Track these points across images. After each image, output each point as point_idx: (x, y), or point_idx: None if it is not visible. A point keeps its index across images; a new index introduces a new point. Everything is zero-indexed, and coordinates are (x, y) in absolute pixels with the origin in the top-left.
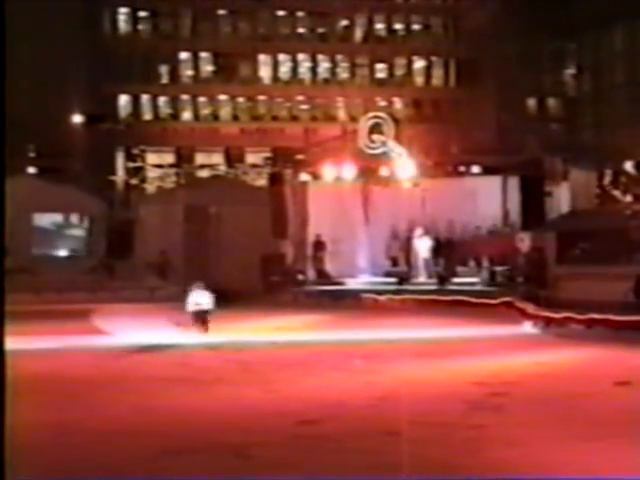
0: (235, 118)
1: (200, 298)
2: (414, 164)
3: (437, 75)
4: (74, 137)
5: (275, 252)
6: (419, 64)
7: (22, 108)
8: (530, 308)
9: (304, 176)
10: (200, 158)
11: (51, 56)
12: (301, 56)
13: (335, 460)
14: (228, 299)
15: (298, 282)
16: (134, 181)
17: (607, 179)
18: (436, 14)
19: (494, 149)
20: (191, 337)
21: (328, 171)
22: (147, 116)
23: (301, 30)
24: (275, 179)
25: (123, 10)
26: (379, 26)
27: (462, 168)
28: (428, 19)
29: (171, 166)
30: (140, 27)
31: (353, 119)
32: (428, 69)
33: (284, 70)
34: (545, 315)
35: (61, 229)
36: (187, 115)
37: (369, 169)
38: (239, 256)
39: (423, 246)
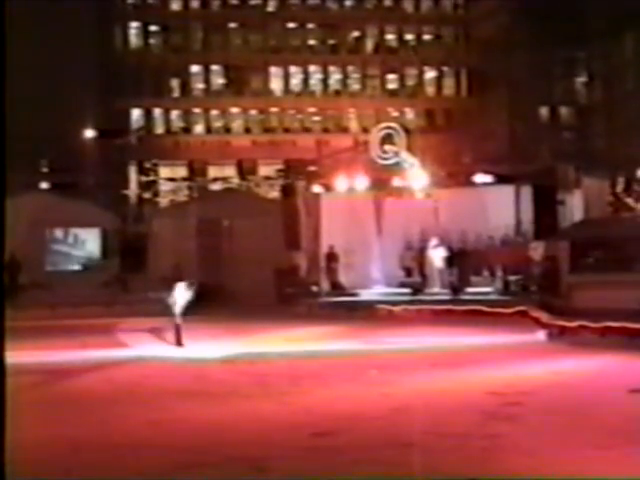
0: (247, 131)
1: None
2: (427, 174)
3: (448, 85)
4: (87, 152)
5: (288, 264)
6: (430, 74)
7: (34, 124)
8: (544, 317)
9: (317, 188)
10: (212, 171)
11: (63, 71)
12: (312, 68)
13: (351, 472)
14: (242, 311)
15: (312, 294)
16: (147, 195)
17: (620, 187)
18: (447, 24)
19: (506, 158)
20: (202, 350)
21: (340, 182)
22: (159, 130)
23: (312, 42)
24: (288, 191)
25: (134, 24)
26: (390, 37)
27: (474, 178)
28: (439, 29)
29: (184, 179)
30: (151, 41)
31: (365, 130)
32: (439, 79)
33: (295, 82)
34: (559, 324)
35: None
36: (199, 128)
37: (381, 180)
38: (252, 268)
39: (437, 256)
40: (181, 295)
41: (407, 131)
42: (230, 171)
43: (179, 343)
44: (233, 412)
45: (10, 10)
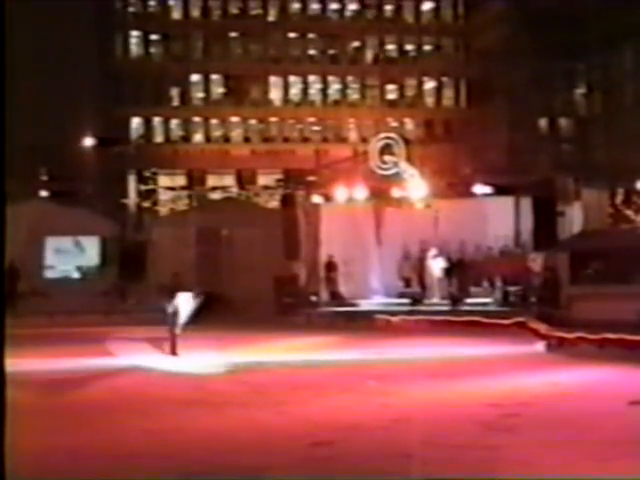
0: (246, 140)
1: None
2: (426, 185)
3: (448, 95)
4: (86, 160)
5: (288, 274)
6: (430, 85)
7: (34, 131)
8: (543, 328)
9: (316, 197)
10: (212, 180)
11: (63, 79)
12: (312, 78)
13: None
14: (241, 320)
15: (311, 303)
16: (146, 204)
17: (619, 198)
18: (447, 35)
19: (506, 169)
20: (201, 359)
21: (340, 192)
22: (159, 138)
23: (312, 52)
24: (287, 201)
25: (135, 33)
26: (390, 47)
27: (474, 188)
28: (439, 40)
29: (183, 188)
30: (151, 50)
31: (364, 140)
32: (439, 89)
33: (295, 92)
34: (558, 335)
35: None
36: (198, 137)
37: (381, 190)
38: (252, 278)
39: (437, 267)
40: (184, 305)
41: (406, 141)
42: (229, 180)
43: (174, 353)
44: (231, 421)
45: (10, 17)
